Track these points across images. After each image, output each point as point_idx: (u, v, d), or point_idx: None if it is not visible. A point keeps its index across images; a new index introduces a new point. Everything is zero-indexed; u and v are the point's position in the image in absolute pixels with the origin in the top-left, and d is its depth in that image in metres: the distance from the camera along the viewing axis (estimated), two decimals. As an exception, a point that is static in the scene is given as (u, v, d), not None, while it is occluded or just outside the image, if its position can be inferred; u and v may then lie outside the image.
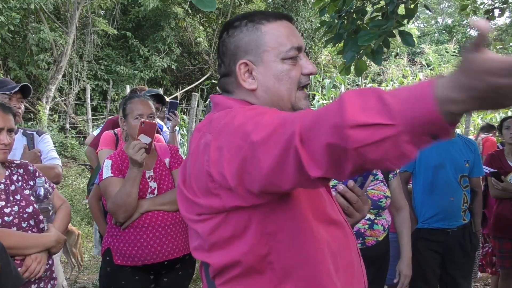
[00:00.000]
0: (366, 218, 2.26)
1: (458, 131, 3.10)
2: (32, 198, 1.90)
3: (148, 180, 2.19)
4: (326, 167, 0.73)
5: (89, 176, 5.30)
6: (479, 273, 4.01)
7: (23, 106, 2.61)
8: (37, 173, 2.00)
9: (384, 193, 2.30)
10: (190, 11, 13.49)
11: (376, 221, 2.30)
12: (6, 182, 1.86)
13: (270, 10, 15.48)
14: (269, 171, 0.80)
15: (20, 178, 1.93)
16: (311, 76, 1.19)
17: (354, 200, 1.34)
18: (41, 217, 1.89)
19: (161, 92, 3.84)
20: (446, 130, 0.64)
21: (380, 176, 2.35)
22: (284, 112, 0.90)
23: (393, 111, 0.65)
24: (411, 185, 3.07)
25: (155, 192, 2.20)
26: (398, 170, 2.47)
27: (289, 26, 1.11)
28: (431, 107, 0.63)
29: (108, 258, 2.18)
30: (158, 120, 3.86)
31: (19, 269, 1.71)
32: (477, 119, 11.41)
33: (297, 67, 1.09)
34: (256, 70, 1.08)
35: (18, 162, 1.99)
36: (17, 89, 2.47)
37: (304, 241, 0.98)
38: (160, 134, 3.62)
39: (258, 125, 0.83)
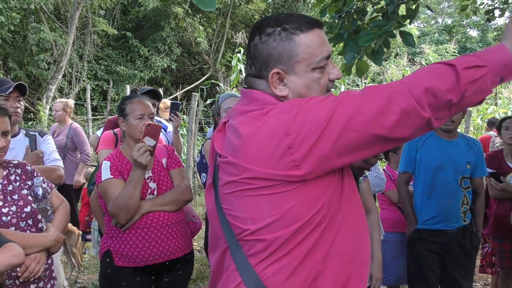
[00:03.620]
0: None
1: (458, 130, 3.07)
2: (30, 198, 1.89)
3: (148, 181, 2.18)
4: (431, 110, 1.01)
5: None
6: (478, 273, 4.00)
7: (23, 105, 2.57)
8: (35, 173, 1.99)
9: None
10: (190, 11, 13.49)
11: None
12: (3, 182, 1.86)
13: (271, 11, 15.47)
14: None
15: (18, 178, 1.93)
16: None
17: None
18: (39, 216, 1.89)
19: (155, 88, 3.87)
20: (510, 74, 1.04)
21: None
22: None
23: (483, 58, 1.04)
24: (411, 186, 3.07)
25: (155, 192, 2.19)
26: (368, 173, 2.44)
27: (320, 35, 1.14)
28: (506, 55, 1.03)
29: (108, 260, 2.15)
30: (162, 120, 3.86)
31: (18, 269, 1.70)
32: (477, 119, 11.39)
33: (325, 74, 1.14)
34: (288, 78, 1.13)
35: (15, 162, 1.98)
36: (11, 89, 2.42)
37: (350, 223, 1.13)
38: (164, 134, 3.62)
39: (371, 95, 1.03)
